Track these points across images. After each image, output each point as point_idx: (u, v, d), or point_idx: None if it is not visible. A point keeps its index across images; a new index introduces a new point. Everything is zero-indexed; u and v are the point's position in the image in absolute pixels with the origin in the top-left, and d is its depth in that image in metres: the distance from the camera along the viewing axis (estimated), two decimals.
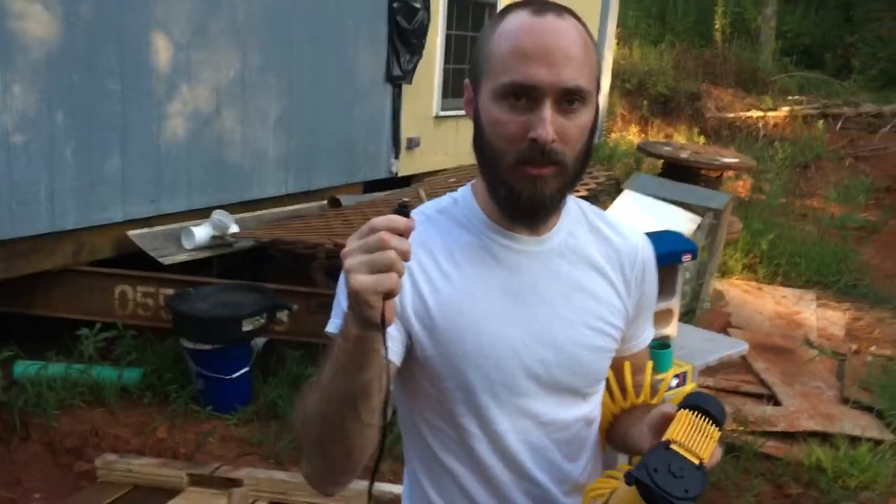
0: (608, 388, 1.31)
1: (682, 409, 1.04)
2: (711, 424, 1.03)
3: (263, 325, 3.75)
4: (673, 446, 0.98)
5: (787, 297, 6.01)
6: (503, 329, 1.15)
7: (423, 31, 6.08)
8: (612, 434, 1.34)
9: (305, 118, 5.24)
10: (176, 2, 4.25)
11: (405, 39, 5.91)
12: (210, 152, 4.62)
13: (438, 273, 1.15)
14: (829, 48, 14.94)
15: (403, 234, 0.89)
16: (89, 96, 3.90)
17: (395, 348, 1.10)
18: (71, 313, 4.06)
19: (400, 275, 0.88)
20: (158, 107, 4.26)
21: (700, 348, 3.35)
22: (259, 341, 3.95)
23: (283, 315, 4.00)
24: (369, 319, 0.90)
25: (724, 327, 5.11)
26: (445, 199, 1.24)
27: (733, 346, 4.25)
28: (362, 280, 0.87)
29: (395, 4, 5.76)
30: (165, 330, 3.99)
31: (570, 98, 1.06)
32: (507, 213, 1.14)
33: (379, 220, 0.89)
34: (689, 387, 1.25)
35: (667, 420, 1.04)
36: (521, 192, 1.09)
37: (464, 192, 1.23)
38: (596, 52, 1.13)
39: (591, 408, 1.27)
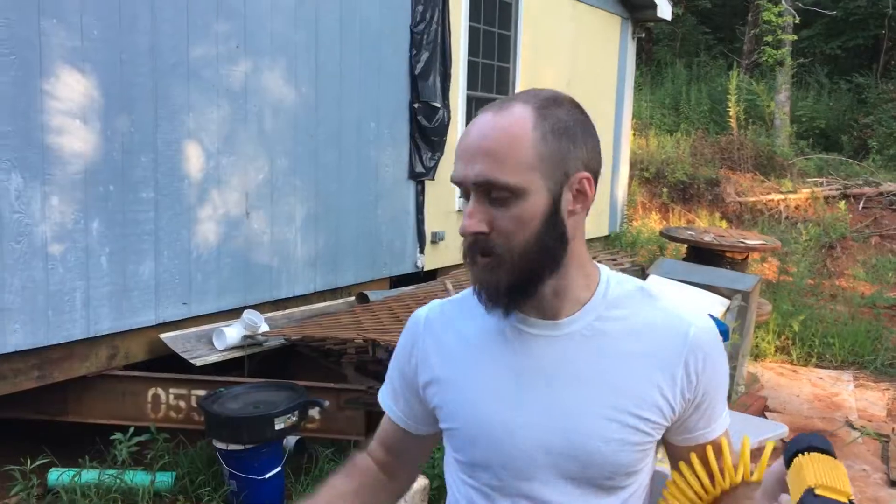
0: (696, 477, 1.24)
1: (800, 454, 0.98)
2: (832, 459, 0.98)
3: (295, 423, 3.73)
4: (818, 491, 0.92)
5: (823, 379, 5.90)
6: (499, 408, 1.18)
7: (443, 128, 6.26)
8: None
9: (331, 218, 5.36)
10: (206, 113, 4.43)
11: (426, 137, 6.08)
12: (240, 254, 4.72)
13: (448, 354, 1.24)
14: (844, 130, 15.09)
15: None
16: (124, 205, 4.03)
17: (409, 422, 1.37)
18: (104, 418, 4.08)
19: None
20: (190, 212, 4.39)
21: (738, 432, 3.28)
22: (291, 439, 3.93)
23: (314, 412, 3.99)
24: None
25: (761, 411, 5.01)
26: (468, 290, 1.27)
27: (773, 430, 4.17)
28: None
29: (415, 105, 5.95)
30: (198, 432, 3.98)
31: (489, 192, 1.09)
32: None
33: None
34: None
35: (780, 476, 1.00)
36: (475, 279, 1.15)
37: None
38: (545, 143, 1.10)
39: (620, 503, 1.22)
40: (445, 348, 1.23)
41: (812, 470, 0.95)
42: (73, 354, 3.93)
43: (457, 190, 6.65)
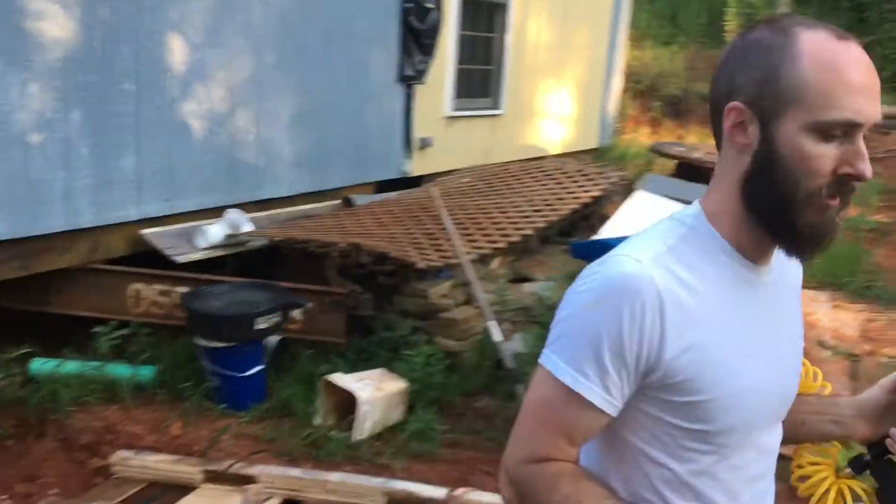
0: None
1: None
2: None
3: (277, 324, 3.76)
4: None
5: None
6: (759, 368, 1.12)
7: (435, 31, 6.09)
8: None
9: (318, 118, 5.27)
10: (191, 3, 4.28)
11: (418, 40, 5.92)
12: (224, 151, 4.65)
13: (693, 316, 1.07)
14: None
15: None
16: (105, 96, 3.93)
17: (619, 406, 1.10)
18: (86, 311, 4.09)
19: None
20: (172, 106, 4.29)
21: None
22: (272, 339, 3.97)
23: (296, 313, 4.01)
24: None
25: None
26: (678, 227, 1.14)
27: None
28: None
29: (407, 5, 5.77)
30: (180, 328, 4.01)
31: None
32: (790, 245, 1.10)
33: None
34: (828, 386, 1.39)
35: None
36: (821, 224, 1.05)
37: (698, 219, 1.14)
38: None
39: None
40: (689, 310, 1.07)
41: None
42: (53, 246, 3.90)
43: (448, 96, 6.54)
